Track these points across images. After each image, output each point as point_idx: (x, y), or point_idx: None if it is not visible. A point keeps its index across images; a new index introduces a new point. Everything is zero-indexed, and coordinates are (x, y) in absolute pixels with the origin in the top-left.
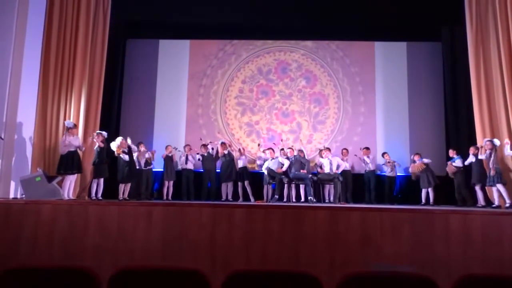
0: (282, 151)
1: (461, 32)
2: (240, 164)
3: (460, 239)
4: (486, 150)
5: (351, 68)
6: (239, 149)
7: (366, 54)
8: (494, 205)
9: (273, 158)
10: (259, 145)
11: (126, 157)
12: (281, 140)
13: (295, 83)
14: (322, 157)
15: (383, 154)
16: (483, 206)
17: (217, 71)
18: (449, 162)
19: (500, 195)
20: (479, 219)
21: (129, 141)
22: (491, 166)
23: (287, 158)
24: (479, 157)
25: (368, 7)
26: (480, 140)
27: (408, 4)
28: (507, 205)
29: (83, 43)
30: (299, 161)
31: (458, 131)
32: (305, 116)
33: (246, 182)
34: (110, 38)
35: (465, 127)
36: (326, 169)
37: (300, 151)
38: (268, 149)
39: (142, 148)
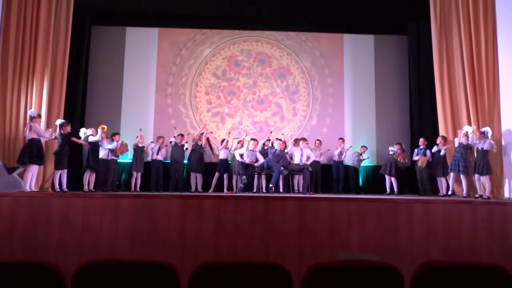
0: (268, 141)
1: (426, 27)
2: (221, 155)
3: (422, 227)
4: (466, 137)
5: (318, 55)
6: (222, 141)
7: (334, 46)
8: (464, 195)
9: (252, 150)
10: (230, 133)
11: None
12: (270, 132)
13: (253, 70)
14: (296, 146)
15: (348, 148)
16: (444, 195)
17: (178, 103)
18: (419, 155)
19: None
20: (440, 208)
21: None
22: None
23: (275, 150)
24: (456, 143)
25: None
26: (443, 130)
27: None
28: (477, 195)
29: (45, 29)
30: (279, 156)
31: (422, 121)
32: (279, 94)
33: (225, 175)
34: (74, 24)
35: (429, 118)
36: (296, 160)
37: (282, 142)
38: (252, 139)
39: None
